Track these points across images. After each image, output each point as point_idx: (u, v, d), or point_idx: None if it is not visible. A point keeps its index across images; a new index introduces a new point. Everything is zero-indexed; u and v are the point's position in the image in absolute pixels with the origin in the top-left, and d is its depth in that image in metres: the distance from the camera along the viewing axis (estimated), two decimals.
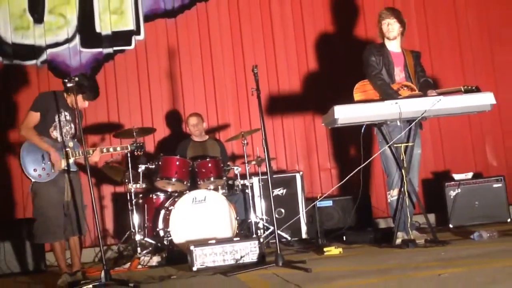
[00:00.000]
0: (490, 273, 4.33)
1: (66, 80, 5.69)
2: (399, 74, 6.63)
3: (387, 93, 6.39)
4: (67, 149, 5.92)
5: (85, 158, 5.74)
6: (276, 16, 9.17)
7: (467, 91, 6.64)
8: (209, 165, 7.48)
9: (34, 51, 8.72)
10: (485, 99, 6.26)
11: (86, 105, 6.17)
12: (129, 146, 6.50)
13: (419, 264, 5.11)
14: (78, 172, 6.01)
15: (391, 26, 6.61)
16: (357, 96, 6.61)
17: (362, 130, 6.61)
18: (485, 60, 9.39)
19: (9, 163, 8.37)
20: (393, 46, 6.69)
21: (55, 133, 6.01)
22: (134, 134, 7.55)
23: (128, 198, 7.63)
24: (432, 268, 4.78)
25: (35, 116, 6.01)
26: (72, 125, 6.08)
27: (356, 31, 9.12)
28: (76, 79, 5.73)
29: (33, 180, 5.89)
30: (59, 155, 5.88)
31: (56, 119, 6.03)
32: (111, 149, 6.36)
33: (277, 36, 9.15)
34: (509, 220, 8.04)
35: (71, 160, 5.95)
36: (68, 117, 6.08)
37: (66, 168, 5.95)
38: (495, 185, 8.22)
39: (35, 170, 5.88)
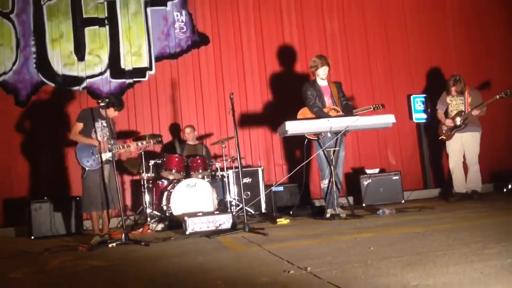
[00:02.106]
0: (389, 237, 4.40)
1: (100, 101, 5.73)
2: (327, 101, 6.68)
3: (321, 116, 6.44)
4: (109, 145, 5.92)
5: (112, 155, 5.81)
6: (246, 59, 9.17)
7: (375, 108, 6.74)
8: (199, 161, 7.48)
9: (77, 80, 8.64)
10: (388, 119, 6.36)
11: (116, 114, 6.23)
12: (151, 141, 6.38)
13: (342, 231, 5.18)
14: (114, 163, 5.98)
15: (325, 71, 6.69)
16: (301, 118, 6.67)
17: (305, 142, 6.70)
18: (387, 88, 9.52)
19: (60, 157, 8.30)
20: (322, 82, 6.75)
21: (94, 136, 6.04)
22: (147, 138, 7.52)
23: (142, 183, 7.59)
24: (351, 233, 4.84)
25: (79, 125, 6.12)
26: (109, 130, 6.04)
27: (300, 70, 9.16)
28: (107, 100, 5.82)
29: (87, 168, 5.99)
30: (106, 143, 5.96)
31: (96, 125, 6.07)
32: (139, 143, 6.34)
33: (247, 73, 9.15)
34: (403, 201, 8.13)
35: (109, 154, 5.94)
36: (104, 124, 6.09)
37: (109, 159, 5.97)
38: (394, 177, 8.31)
39: (88, 161, 5.99)
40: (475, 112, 7.45)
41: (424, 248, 3.60)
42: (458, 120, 7.57)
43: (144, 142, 6.37)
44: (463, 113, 7.56)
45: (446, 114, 7.83)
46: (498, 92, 7.48)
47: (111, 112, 6.12)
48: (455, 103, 7.72)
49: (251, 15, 9.30)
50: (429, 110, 9.17)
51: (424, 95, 9.35)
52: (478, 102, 7.54)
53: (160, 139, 6.53)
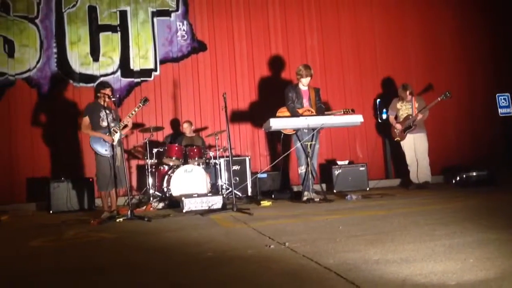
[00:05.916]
0: (356, 218, 4.42)
1: (111, 96, 5.81)
2: (305, 103, 6.71)
3: (294, 114, 6.50)
4: (113, 129, 5.86)
5: (120, 135, 5.70)
6: (238, 64, 9.14)
7: (345, 112, 6.76)
8: (195, 150, 7.46)
9: (92, 78, 8.56)
10: (357, 118, 6.39)
11: (109, 91, 5.98)
12: (140, 105, 6.10)
13: (316, 212, 5.19)
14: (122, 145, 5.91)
15: (307, 80, 6.72)
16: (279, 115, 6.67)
17: (282, 137, 6.73)
18: (357, 92, 9.52)
19: (75, 143, 8.26)
20: (303, 86, 6.76)
21: (103, 123, 5.95)
22: (151, 130, 7.52)
23: (146, 168, 7.58)
24: (323, 215, 4.86)
25: (86, 119, 6.04)
26: (111, 116, 6.01)
27: (283, 76, 9.16)
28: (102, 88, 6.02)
29: (103, 155, 5.88)
30: (109, 136, 5.87)
31: (101, 115, 5.97)
32: (133, 112, 6.08)
33: (238, 76, 9.12)
34: (368, 189, 8.17)
35: (118, 135, 5.87)
36: (107, 111, 5.98)
37: (119, 138, 5.90)
38: (361, 168, 8.35)
39: (105, 149, 5.88)
40: (419, 116, 7.56)
41: (384, 228, 3.62)
42: (407, 123, 7.66)
43: (136, 109, 6.15)
44: (410, 117, 7.66)
45: (396, 118, 7.92)
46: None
47: (108, 91, 5.96)
48: (404, 107, 7.81)
49: (243, 28, 9.26)
50: (384, 110, 9.17)
51: (384, 99, 9.38)
52: (423, 107, 7.64)
53: (145, 98, 6.24)
